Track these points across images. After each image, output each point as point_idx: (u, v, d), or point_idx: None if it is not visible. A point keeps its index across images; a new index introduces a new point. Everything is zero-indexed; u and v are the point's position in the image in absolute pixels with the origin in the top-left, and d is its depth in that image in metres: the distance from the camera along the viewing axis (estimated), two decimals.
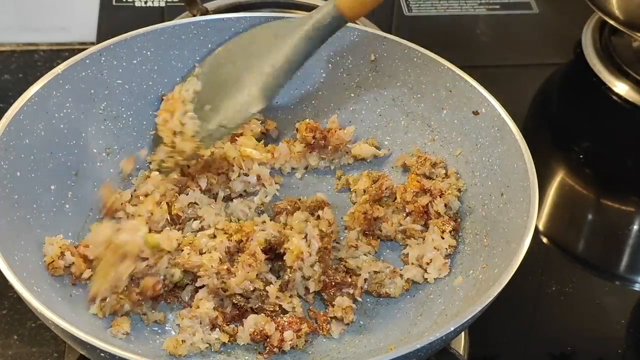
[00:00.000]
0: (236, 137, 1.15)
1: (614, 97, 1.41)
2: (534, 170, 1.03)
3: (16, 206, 1.02)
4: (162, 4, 1.54)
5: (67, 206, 1.09)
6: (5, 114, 1.05)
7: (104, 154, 1.14)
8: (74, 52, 1.38)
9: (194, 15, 1.36)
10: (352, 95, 1.21)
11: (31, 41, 1.45)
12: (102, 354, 0.88)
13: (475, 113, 1.12)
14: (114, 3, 1.53)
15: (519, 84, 1.47)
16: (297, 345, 1.00)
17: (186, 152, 1.09)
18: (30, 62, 1.42)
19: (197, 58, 1.18)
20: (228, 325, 1.01)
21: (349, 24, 1.19)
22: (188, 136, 1.08)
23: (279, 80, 1.09)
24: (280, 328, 0.99)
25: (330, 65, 1.20)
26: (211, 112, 1.09)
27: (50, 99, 1.09)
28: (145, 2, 1.53)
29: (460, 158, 1.13)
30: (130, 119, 1.17)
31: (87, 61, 1.13)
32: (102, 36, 1.41)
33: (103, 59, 1.14)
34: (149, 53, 1.16)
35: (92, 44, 1.42)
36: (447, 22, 1.56)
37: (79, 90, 1.12)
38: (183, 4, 1.41)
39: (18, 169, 1.04)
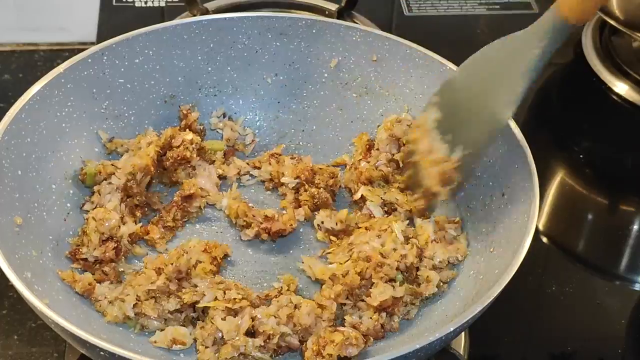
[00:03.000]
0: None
1: (614, 97, 1.41)
2: (535, 170, 1.03)
3: (17, 205, 1.02)
4: (162, 4, 1.54)
5: (69, 205, 1.09)
6: (7, 113, 1.05)
7: (105, 152, 1.14)
8: (74, 52, 1.38)
9: (194, 15, 1.36)
10: (354, 95, 1.21)
11: (31, 41, 1.45)
12: (101, 353, 0.88)
13: None
14: (114, 3, 1.53)
15: None
16: None
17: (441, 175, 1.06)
18: (30, 62, 1.42)
19: (199, 57, 1.19)
20: None
21: (350, 24, 1.20)
22: (441, 159, 1.06)
23: (516, 99, 1.03)
24: None
25: (332, 65, 1.21)
26: (454, 141, 1.06)
27: (52, 98, 1.09)
28: (145, 2, 1.54)
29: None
30: (132, 118, 1.17)
31: (89, 60, 1.13)
32: (102, 36, 1.41)
33: (105, 58, 1.14)
34: (150, 52, 1.16)
35: (92, 44, 1.42)
36: (447, 22, 1.56)
37: (81, 89, 1.12)
38: (183, 4, 1.41)
39: (19, 168, 1.04)
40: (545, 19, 1.00)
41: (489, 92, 1.04)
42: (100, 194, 1.09)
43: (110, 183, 1.09)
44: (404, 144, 1.15)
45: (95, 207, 1.08)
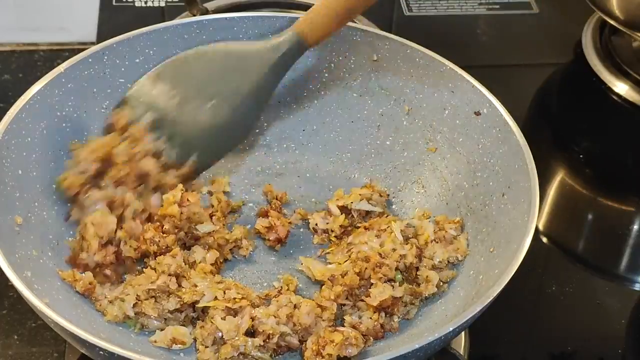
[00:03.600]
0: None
1: (614, 97, 1.41)
2: (535, 170, 1.03)
3: (17, 204, 1.02)
4: (162, 4, 1.54)
5: (69, 205, 1.08)
6: (8, 112, 1.05)
7: None
8: (74, 52, 1.38)
9: (194, 15, 1.36)
10: (355, 95, 1.21)
11: (31, 41, 1.45)
12: (101, 352, 0.88)
13: (477, 114, 1.12)
14: (114, 3, 1.53)
15: (519, 84, 1.47)
16: None
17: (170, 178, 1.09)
18: (30, 62, 1.42)
19: None
20: None
21: (350, 24, 1.19)
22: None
23: (254, 110, 1.11)
24: None
25: (332, 64, 1.20)
26: (184, 147, 1.10)
27: (52, 98, 1.09)
28: (145, 2, 1.54)
29: (462, 158, 1.13)
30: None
31: (90, 60, 1.13)
32: (102, 36, 1.41)
33: (106, 57, 1.14)
34: (151, 52, 1.16)
35: (92, 43, 1.42)
36: (447, 22, 1.56)
37: (82, 88, 1.12)
38: (183, 4, 1.41)
39: (20, 167, 1.04)
40: (285, 38, 1.09)
41: (219, 98, 1.10)
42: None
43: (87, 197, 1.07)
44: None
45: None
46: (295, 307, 1.00)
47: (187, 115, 1.11)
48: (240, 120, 1.12)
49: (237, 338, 0.97)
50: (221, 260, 1.08)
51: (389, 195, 1.16)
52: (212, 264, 1.06)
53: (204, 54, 1.12)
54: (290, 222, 1.13)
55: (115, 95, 1.15)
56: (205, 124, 1.11)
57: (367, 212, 1.13)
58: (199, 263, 1.05)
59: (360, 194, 1.14)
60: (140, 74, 1.16)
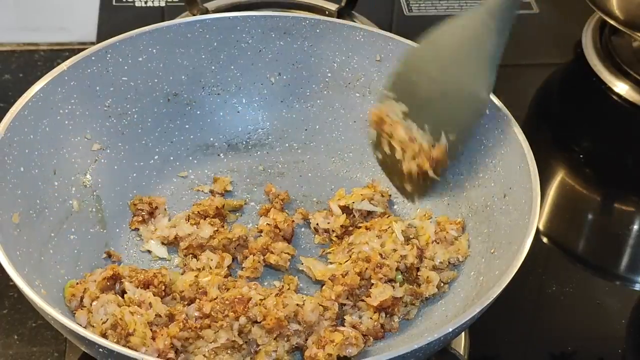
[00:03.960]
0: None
1: (614, 97, 1.41)
2: (537, 172, 1.03)
3: (19, 201, 1.02)
4: (162, 4, 1.54)
5: (70, 202, 1.09)
6: (10, 110, 1.05)
7: (108, 151, 1.14)
8: (74, 52, 1.38)
9: (194, 15, 1.36)
10: (357, 94, 1.21)
11: (31, 41, 1.45)
12: (100, 349, 0.88)
13: None
14: (114, 3, 1.53)
15: (519, 84, 1.47)
16: None
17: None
18: (30, 62, 1.42)
19: (202, 56, 1.19)
20: None
21: (353, 24, 1.20)
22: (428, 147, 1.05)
23: (490, 74, 1.04)
24: None
25: (335, 64, 1.21)
26: (434, 129, 1.05)
27: (55, 96, 1.09)
28: (145, 2, 1.54)
29: (464, 159, 1.13)
30: (135, 116, 1.17)
31: (93, 58, 1.13)
32: (102, 36, 1.40)
33: (109, 56, 1.14)
34: (154, 51, 1.16)
35: (92, 43, 1.42)
36: None
37: (84, 87, 1.12)
38: (183, 4, 1.41)
39: (22, 165, 1.04)
40: None
41: (457, 74, 1.04)
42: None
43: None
44: None
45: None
46: (298, 305, 1.00)
47: (433, 99, 1.06)
48: (479, 93, 1.06)
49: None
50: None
51: (390, 195, 1.16)
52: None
53: (435, 40, 1.06)
54: (293, 221, 1.13)
55: (117, 94, 1.15)
56: (443, 104, 1.06)
57: (369, 212, 1.13)
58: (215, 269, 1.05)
59: (362, 194, 1.14)
60: (142, 72, 1.16)
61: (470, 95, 1.05)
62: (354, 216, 1.13)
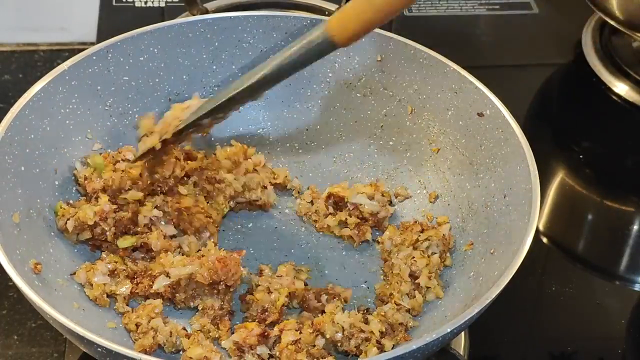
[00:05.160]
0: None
1: (614, 97, 1.42)
2: (537, 172, 1.03)
3: (19, 201, 1.02)
4: (162, 4, 1.54)
5: (71, 202, 1.09)
6: (11, 109, 1.05)
7: (109, 150, 1.14)
8: (74, 52, 1.38)
9: (194, 15, 1.36)
10: (358, 95, 1.21)
11: (31, 41, 1.45)
12: (99, 349, 0.88)
13: (480, 115, 1.12)
14: (114, 3, 1.53)
15: (519, 84, 1.47)
16: None
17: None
18: (30, 62, 1.42)
19: (204, 56, 1.19)
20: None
21: None
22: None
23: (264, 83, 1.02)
24: None
25: (336, 64, 1.21)
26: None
27: (56, 95, 1.09)
28: (145, 2, 1.54)
29: (464, 160, 1.13)
30: (136, 116, 1.16)
31: (94, 57, 1.13)
32: (102, 36, 1.40)
33: (110, 55, 1.14)
34: (155, 50, 1.17)
35: (92, 44, 1.42)
36: (447, 22, 1.56)
37: (85, 86, 1.12)
38: (183, 4, 1.41)
39: (23, 164, 1.04)
40: (314, 33, 0.98)
41: None
42: None
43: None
44: None
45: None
46: None
47: None
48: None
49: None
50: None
51: (392, 195, 1.16)
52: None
53: None
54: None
55: (119, 93, 1.15)
56: None
57: (363, 217, 1.13)
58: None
59: (363, 191, 1.13)
60: (144, 72, 1.16)
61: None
62: (349, 214, 1.13)
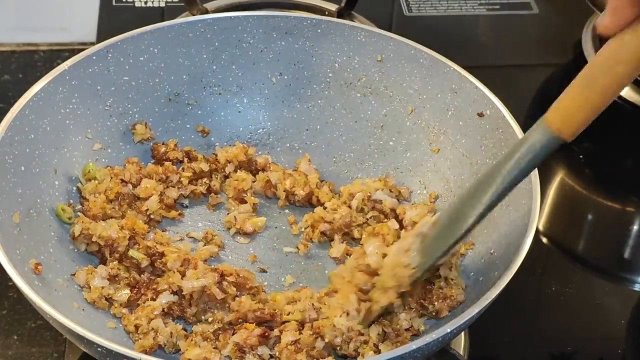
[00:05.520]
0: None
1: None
2: (537, 173, 1.03)
3: (20, 200, 1.02)
4: (162, 4, 1.54)
5: (71, 202, 1.09)
6: (11, 109, 1.05)
7: (109, 150, 1.14)
8: (74, 52, 1.38)
9: (194, 15, 1.36)
10: (358, 95, 1.21)
11: (31, 41, 1.45)
12: (99, 349, 0.88)
13: (480, 115, 1.12)
14: (114, 3, 1.53)
15: (519, 84, 1.47)
16: None
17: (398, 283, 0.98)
18: (30, 62, 1.42)
19: (204, 56, 1.19)
20: None
21: (355, 24, 1.19)
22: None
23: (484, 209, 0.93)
24: None
25: (336, 64, 1.21)
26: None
27: (56, 95, 1.09)
28: (145, 2, 1.54)
29: (464, 160, 1.13)
30: (137, 116, 1.17)
31: (94, 57, 1.13)
32: (102, 36, 1.40)
33: (110, 55, 1.14)
34: (155, 50, 1.17)
35: (92, 44, 1.42)
36: (447, 22, 1.56)
37: (86, 86, 1.12)
38: (183, 4, 1.41)
39: (23, 164, 1.04)
40: (534, 135, 0.90)
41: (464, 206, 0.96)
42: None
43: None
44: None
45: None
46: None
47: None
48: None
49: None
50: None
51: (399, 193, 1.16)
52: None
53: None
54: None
55: (119, 93, 1.15)
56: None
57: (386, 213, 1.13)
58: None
59: (373, 186, 1.13)
60: (144, 72, 1.16)
61: (457, 228, 0.95)
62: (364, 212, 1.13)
